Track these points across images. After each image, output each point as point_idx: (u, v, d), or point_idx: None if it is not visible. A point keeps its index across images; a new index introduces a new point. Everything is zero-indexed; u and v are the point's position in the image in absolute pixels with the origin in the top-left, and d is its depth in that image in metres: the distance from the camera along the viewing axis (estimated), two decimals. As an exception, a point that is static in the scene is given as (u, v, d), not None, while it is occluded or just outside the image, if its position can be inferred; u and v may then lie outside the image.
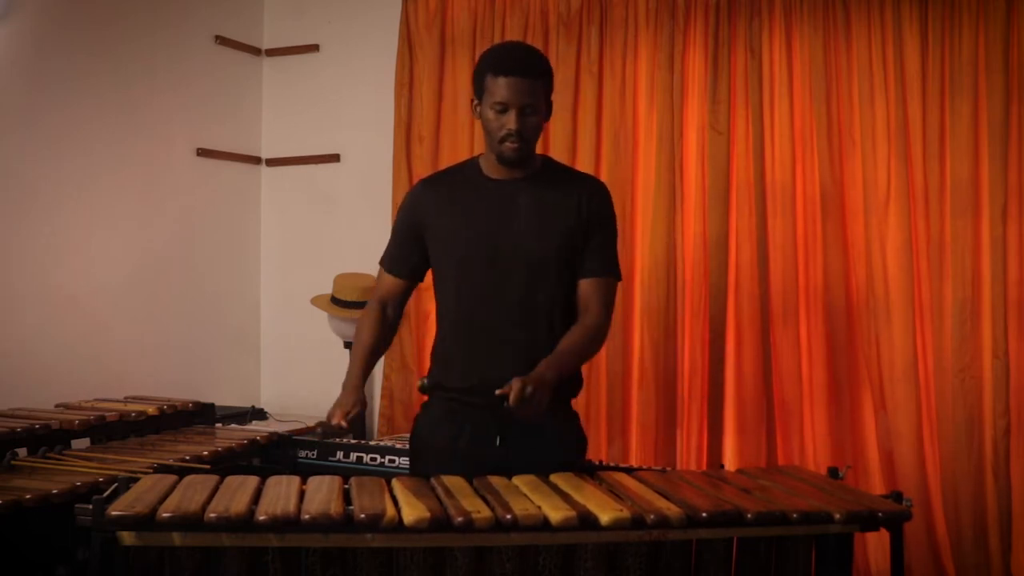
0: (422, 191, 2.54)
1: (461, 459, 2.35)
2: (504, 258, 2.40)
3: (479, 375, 2.36)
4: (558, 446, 2.40)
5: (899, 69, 3.78)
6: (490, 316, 2.41)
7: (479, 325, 2.42)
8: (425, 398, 2.55)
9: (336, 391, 4.73)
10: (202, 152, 4.50)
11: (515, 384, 2.15)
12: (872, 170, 3.81)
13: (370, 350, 2.48)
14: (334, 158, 4.71)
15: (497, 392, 2.17)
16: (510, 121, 2.33)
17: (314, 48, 4.75)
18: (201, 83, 4.50)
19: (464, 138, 4.35)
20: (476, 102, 2.41)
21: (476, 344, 2.42)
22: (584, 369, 2.50)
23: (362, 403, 2.35)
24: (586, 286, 2.43)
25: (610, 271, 2.46)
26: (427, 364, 4.42)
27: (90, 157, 3.99)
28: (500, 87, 2.32)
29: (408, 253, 2.52)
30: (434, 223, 2.47)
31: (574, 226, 2.41)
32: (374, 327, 2.50)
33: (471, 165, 2.52)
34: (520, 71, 2.33)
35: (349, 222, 4.69)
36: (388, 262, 2.57)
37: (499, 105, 2.33)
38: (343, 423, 2.30)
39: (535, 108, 2.35)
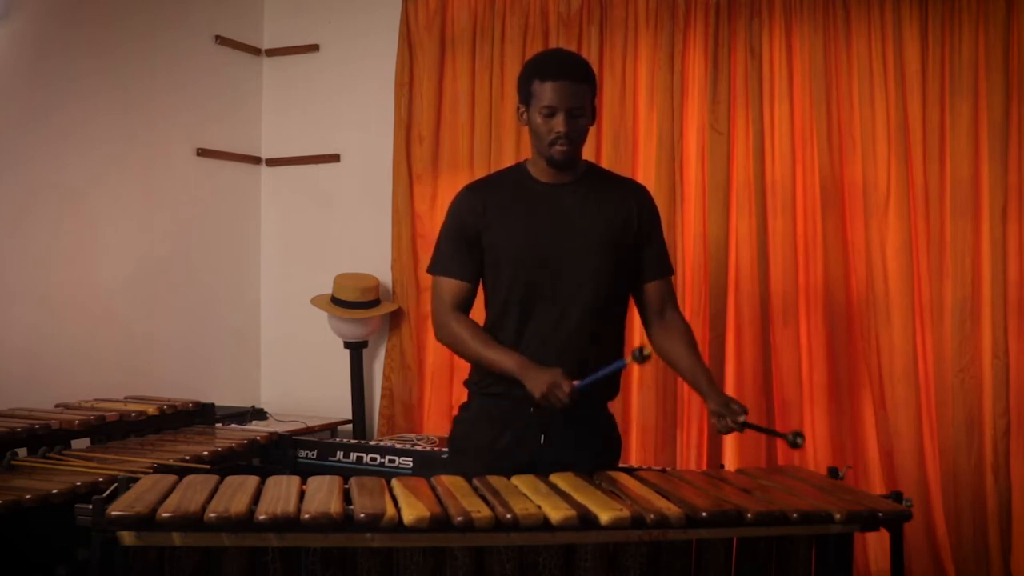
0: (470, 196, 2.52)
1: (503, 458, 2.37)
2: (558, 262, 2.43)
3: None
4: (598, 445, 2.42)
5: (899, 69, 3.78)
6: (542, 319, 2.43)
7: (531, 327, 2.44)
8: (464, 398, 2.56)
9: (334, 391, 4.74)
10: (202, 152, 4.50)
11: (743, 409, 2.31)
12: (872, 170, 3.81)
13: (492, 338, 2.44)
14: (334, 158, 4.71)
15: (738, 421, 2.29)
16: (558, 124, 2.37)
17: (314, 48, 4.75)
18: (201, 83, 4.50)
19: (464, 138, 4.35)
20: (523, 109, 2.45)
21: (526, 346, 2.44)
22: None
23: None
24: (655, 289, 2.54)
25: (670, 269, 2.59)
26: (427, 364, 4.47)
27: (90, 157, 3.99)
28: (547, 91, 2.37)
29: (465, 257, 2.49)
30: (488, 228, 2.46)
31: (626, 233, 2.48)
32: (470, 324, 2.47)
33: (518, 170, 2.54)
34: (566, 75, 2.39)
35: (349, 222, 4.69)
36: (445, 267, 2.50)
37: (547, 109, 2.38)
38: (574, 382, 2.29)
39: (582, 111, 2.40)
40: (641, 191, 2.59)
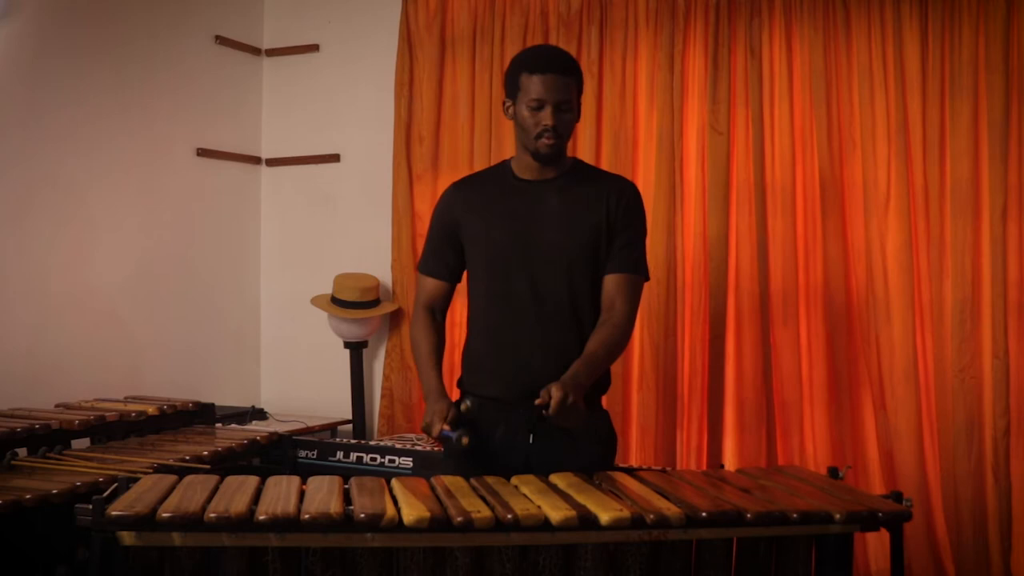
0: (454, 193, 2.56)
1: (494, 459, 2.37)
2: (536, 259, 2.43)
3: (511, 376, 2.41)
4: (591, 444, 2.42)
5: (899, 69, 3.78)
6: (522, 317, 2.44)
7: (510, 325, 2.45)
8: (457, 395, 2.56)
9: (334, 391, 4.75)
10: (202, 152, 4.50)
11: (555, 394, 2.18)
12: (872, 170, 3.81)
13: (436, 355, 2.50)
14: (334, 158, 4.71)
15: (536, 402, 2.20)
16: (546, 117, 2.38)
17: (314, 48, 4.75)
18: (201, 83, 4.50)
19: (464, 138, 4.35)
20: (509, 103, 2.45)
21: (508, 345, 2.45)
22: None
23: (453, 405, 2.36)
24: (611, 282, 2.45)
25: (637, 269, 2.49)
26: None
27: (90, 157, 3.99)
28: (535, 84, 2.37)
29: (445, 255, 2.54)
30: (467, 225, 2.49)
31: (602, 225, 2.44)
32: (429, 332, 2.52)
33: (503, 167, 2.55)
34: (554, 69, 2.39)
35: (349, 222, 4.69)
36: (426, 266, 2.58)
37: (535, 102, 2.38)
38: (445, 427, 2.29)
39: (569, 105, 2.40)
40: (624, 186, 2.54)
